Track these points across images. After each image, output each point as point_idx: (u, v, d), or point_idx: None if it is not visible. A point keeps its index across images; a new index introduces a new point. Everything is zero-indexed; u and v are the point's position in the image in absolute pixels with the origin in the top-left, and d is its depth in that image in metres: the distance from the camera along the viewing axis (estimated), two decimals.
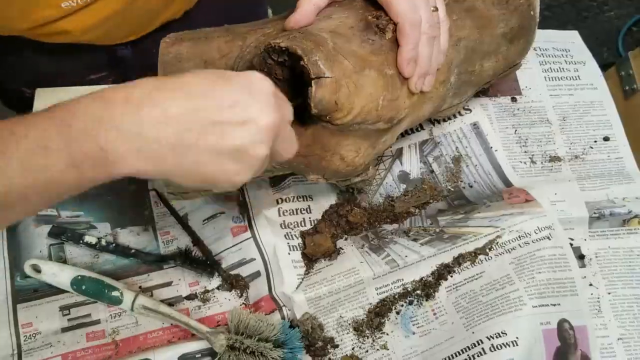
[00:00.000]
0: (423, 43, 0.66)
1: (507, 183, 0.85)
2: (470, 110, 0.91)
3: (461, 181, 0.86)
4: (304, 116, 0.63)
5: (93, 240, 0.78)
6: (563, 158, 0.88)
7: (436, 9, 0.67)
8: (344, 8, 0.68)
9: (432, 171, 0.87)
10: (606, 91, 0.95)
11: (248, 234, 0.80)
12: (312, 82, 0.60)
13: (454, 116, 0.90)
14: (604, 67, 1.44)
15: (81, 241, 0.78)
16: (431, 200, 0.84)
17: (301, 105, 0.62)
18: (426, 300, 0.74)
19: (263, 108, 0.49)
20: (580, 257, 0.77)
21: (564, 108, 0.93)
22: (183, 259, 0.77)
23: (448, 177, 0.86)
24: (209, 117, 0.47)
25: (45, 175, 0.45)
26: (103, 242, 0.78)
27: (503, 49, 0.79)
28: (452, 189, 0.85)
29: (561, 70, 0.96)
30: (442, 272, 0.75)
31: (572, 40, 1.01)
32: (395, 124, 0.70)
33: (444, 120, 0.90)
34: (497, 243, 0.76)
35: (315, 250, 0.79)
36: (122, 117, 0.45)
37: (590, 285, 0.76)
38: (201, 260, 0.77)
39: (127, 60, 0.93)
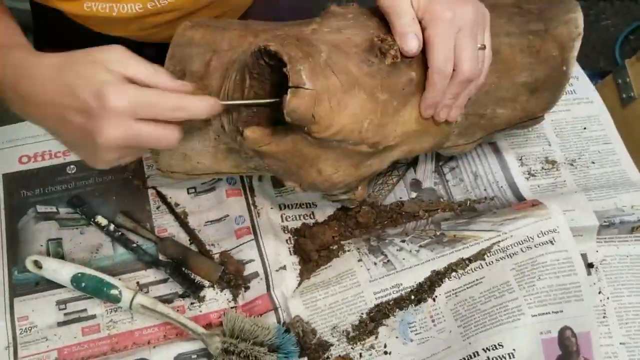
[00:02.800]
0: (456, 85, 0.64)
1: (520, 199, 0.85)
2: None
3: (475, 196, 0.86)
4: (286, 121, 0.63)
5: (104, 222, 0.80)
6: (565, 174, 0.88)
7: (483, 47, 0.65)
8: (359, 24, 0.67)
9: (447, 181, 0.87)
10: (601, 104, 0.96)
11: (251, 236, 0.80)
12: (289, 90, 0.59)
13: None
14: (600, 75, 1.45)
15: (93, 219, 0.80)
16: (440, 211, 0.84)
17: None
18: (424, 304, 0.74)
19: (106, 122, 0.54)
20: (589, 266, 0.77)
21: (561, 125, 0.93)
22: (172, 269, 0.77)
23: (461, 190, 0.86)
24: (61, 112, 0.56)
25: None
26: (111, 228, 0.79)
27: (522, 99, 0.75)
28: (465, 204, 0.85)
29: None
30: (440, 278, 0.75)
31: None
32: (381, 150, 0.68)
33: None
34: (498, 248, 0.75)
35: (312, 241, 0.79)
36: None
37: (600, 292, 0.76)
38: (190, 278, 0.78)
39: (151, 60, 0.94)
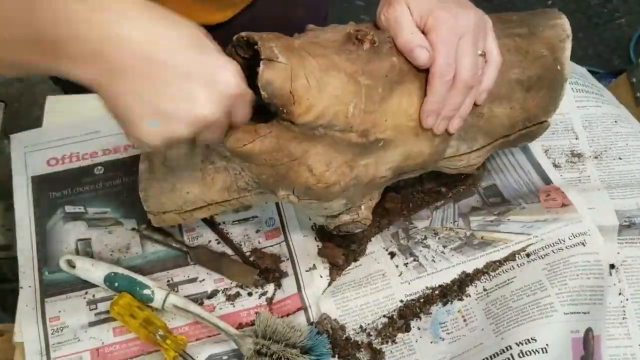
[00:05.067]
0: (457, 92, 0.63)
1: (547, 180, 0.85)
2: None
3: (500, 181, 0.86)
4: (268, 118, 0.61)
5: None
6: (590, 168, 0.88)
7: (483, 54, 0.65)
8: (336, 31, 0.66)
9: None
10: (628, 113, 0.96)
11: (281, 237, 0.81)
12: (261, 62, 0.57)
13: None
14: (614, 74, 1.45)
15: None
16: (462, 186, 0.84)
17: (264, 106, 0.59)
18: (455, 304, 0.74)
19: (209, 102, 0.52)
20: (611, 267, 0.77)
21: (591, 120, 0.93)
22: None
23: (485, 178, 0.86)
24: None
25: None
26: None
27: (518, 97, 0.73)
28: (487, 185, 0.85)
29: (586, 85, 0.96)
30: (471, 280, 0.75)
31: (582, 73, 1.00)
32: (373, 143, 0.65)
33: None
34: (530, 251, 0.76)
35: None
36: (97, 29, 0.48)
37: (620, 294, 0.76)
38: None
39: None
